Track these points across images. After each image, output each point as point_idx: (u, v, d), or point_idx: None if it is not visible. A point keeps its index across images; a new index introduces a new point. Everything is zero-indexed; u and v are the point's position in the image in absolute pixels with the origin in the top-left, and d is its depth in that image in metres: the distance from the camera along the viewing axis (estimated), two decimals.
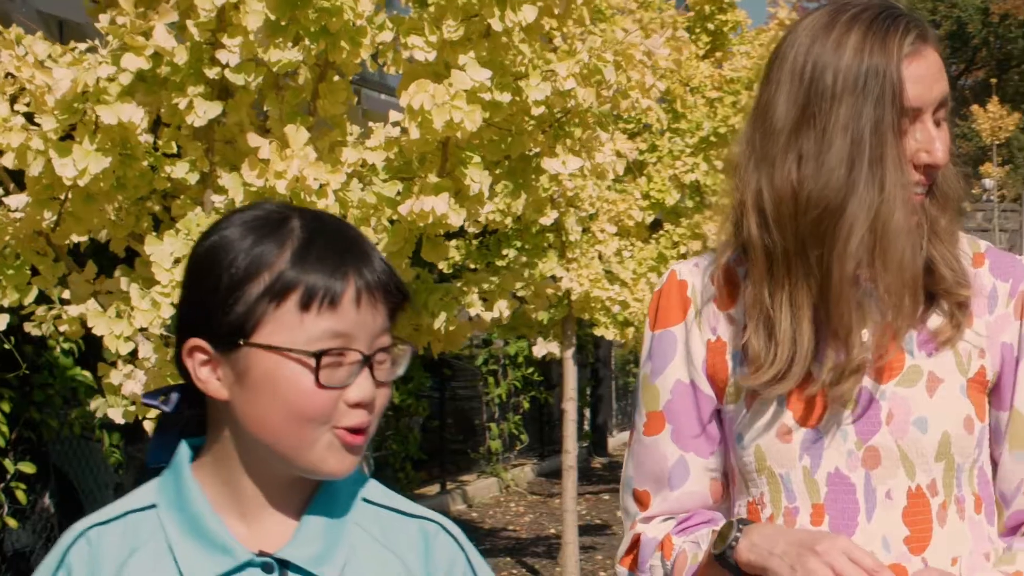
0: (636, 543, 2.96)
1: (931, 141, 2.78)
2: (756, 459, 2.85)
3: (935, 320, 2.83)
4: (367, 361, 2.36)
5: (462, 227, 6.70)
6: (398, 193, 6.32)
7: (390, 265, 2.45)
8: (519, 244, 9.92)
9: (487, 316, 7.20)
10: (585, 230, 10.59)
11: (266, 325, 2.32)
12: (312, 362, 2.31)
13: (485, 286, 7.37)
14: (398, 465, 15.29)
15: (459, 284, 7.28)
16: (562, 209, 9.49)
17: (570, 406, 11.99)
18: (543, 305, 9.63)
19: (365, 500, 2.51)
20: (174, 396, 2.51)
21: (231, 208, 5.81)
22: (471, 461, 17.51)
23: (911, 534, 2.78)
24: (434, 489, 16.12)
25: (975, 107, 51.62)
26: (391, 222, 6.42)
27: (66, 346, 9.46)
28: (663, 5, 11.94)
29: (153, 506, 2.42)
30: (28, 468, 8.44)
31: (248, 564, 2.36)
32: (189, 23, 5.69)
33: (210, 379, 2.36)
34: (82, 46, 5.89)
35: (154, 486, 2.46)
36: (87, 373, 9.22)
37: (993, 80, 58.76)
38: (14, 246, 6.09)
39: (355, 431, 2.37)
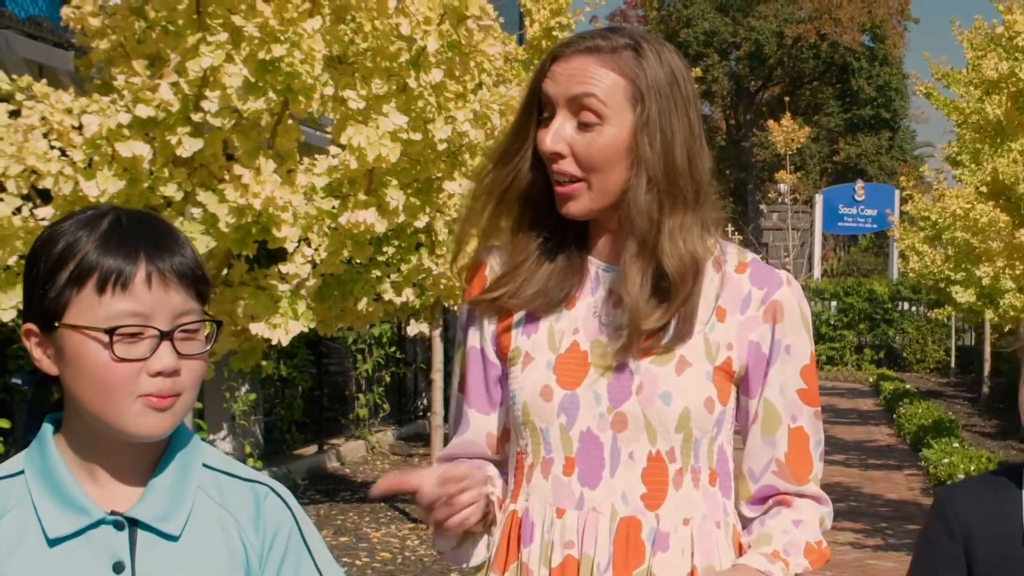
0: None
1: (547, 131, 2.76)
2: (523, 414, 2.85)
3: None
4: (165, 336, 2.34)
5: None
6: (333, 207, 7.03)
7: (193, 253, 2.44)
8: (396, 243, 9.79)
9: (397, 300, 7.94)
10: (450, 231, 10.53)
11: (72, 308, 2.31)
12: (106, 338, 2.30)
13: (394, 276, 8.15)
14: (285, 428, 15.65)
15: (376, 274, 7.93)
16: (432, 214, 10.05)
17: (437, 376, 12.29)
18: (438, 292, 10.04)
19: (205, 465, 2.51)
20: (38, 376, 2.48)
21: (207, 218, 6.58)
22: (343, 426, 17.58)
23: (648, 492, 2.79)
24: (312, 449, 16.33)
25: (771, 122, 51.43)
26: (331, 229, 7.07)
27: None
28: (505, 40, 12.34)
29: (21, 472, 2.40)
30: (5, 423, 8.48)
31: (101, 522, 2.36)
32: (181, 80, 6.37)
33: (42, 358, 2.36)
34: (105, 99, 6.45)
35: (22, 456, 2.44)
36: None
37: (787, 98, 57.33)
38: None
39: (160, 396, 2.36)
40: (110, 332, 2.27)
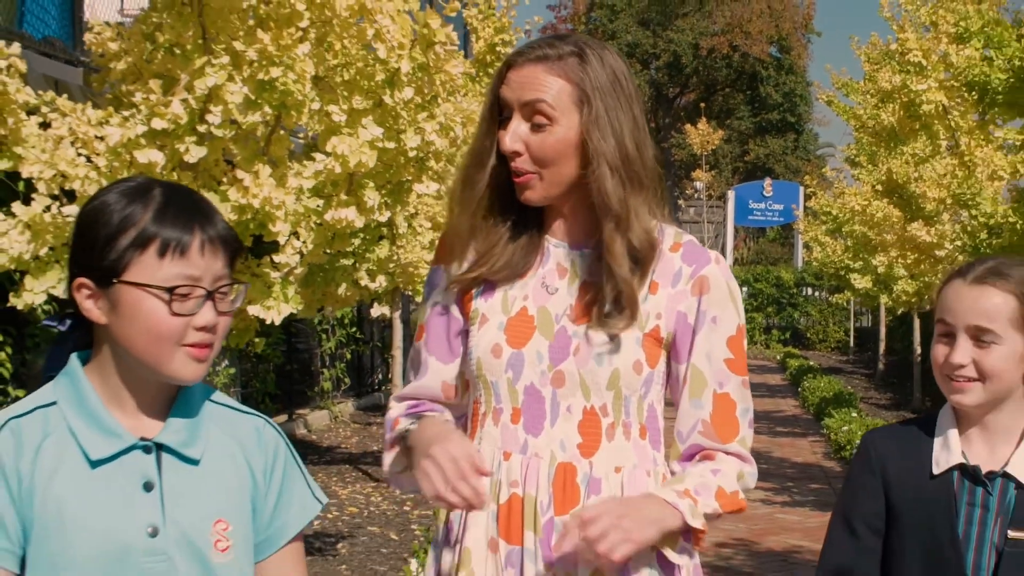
0: (388, 412, 3.08)
1: (506, 132, 2.79)
2: (477, 368, 2.88)
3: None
4: (210, 295, 2.41)
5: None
6: (319, 206, 7.04)
7: (227, 224, 2.50)
8: (361, 235, 9.90)
9: (372, 286, 8.01)
10: (409, 225, 10.71)
11: (132, 267, 2.35)
12: (166, 296, 2.35)
13: (368, 265, 8.27)
14: (259, 399, 15.50)
15: (353, 263, 7.97)
16: (394, 209, 10.05)
17: (397, 353, 12.21)
18: (408, 280, 9.94)
19: (212, 401, 2.56)
20: (67, 321, 2.52)
21: None
22: (309, 398, 17.61)
23: (583, 441, 2.81)
24: (283, 418, 16.19)
25: (688, 125, 50.66)
26: (316, 225, 7.12)
27: (47, 308, 10.08)
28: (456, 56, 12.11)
29: (54, 403, 2.42)
30: (21, 394, 8.36)
31: (134, 447, 2.41)
32: (189, 97, 6.41)
33: (92, 308, 2.39)
34: (125, 113, 6.49)
35: (51, 388, 2.45)
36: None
37: (702, 104, 56.41)
38: (69, 239, 6.60)
39: (200, 346, 2.42)
40: (170, 291, 2.35)
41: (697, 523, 2.75)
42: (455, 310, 2.96)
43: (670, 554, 2.79)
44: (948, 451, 2.95)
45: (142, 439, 2.42)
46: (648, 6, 60.86)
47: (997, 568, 2.84)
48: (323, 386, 18.08)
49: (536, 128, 2.77)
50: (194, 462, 2.47)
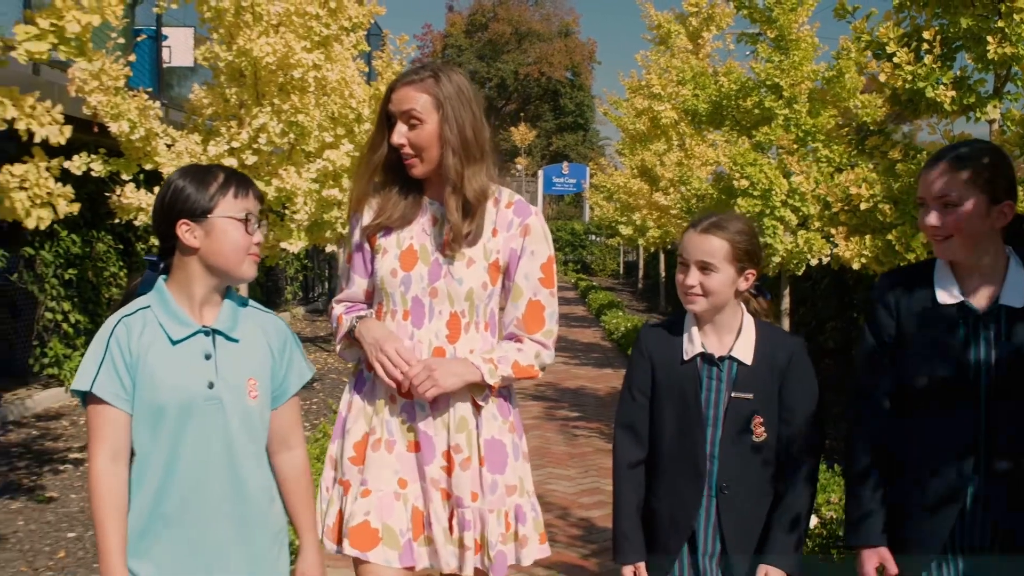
0: (330, 310, 2.92)
1: (394, 132, 2.69)
2: (381, 283, 2.75)
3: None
4: (259, 223, 2.36)
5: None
6: (317, 187, 7.93)
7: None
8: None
9: (344, 232, 8.37)
10: None
11: (220, 205, 2.31)
12: (243, 221, 2.32)
13: (341, 220, 8.64)
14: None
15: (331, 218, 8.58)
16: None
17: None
18: None
19: (246, 304, 2.47)
20: (159, 260, 2.42)
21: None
22: (278, 303, 17.15)
23: (449, 333, 2.71)
24: None
25: (512, 128, 49.82)
26: (316, 198, 7.90)
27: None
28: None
29: (148, 307, 2.36)
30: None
31: (198, 331, 2.34)
32: (249, 129, 7.38)
33: (191, 238, 2.30)
34: (217, 138, 7.37)
35: (146, 298, 2.38)
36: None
37: (521, 112, 56.76)
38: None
39: (255, 255, 2.37)
40: (246, 218, 2.35)
41: (491, 381, 2.71)
42: (366, 245, 2.84)
43: (477, 399, 2.78)
44: (692, 343, 2.86)
45: (203, 326, 2.37)
46: (483, 46, 59.81)
47: (725, 416, 2.82)
48: (286, 296, 17.87)
49: (412, 127, 2.69)
50: (236, 341, 2.42)
